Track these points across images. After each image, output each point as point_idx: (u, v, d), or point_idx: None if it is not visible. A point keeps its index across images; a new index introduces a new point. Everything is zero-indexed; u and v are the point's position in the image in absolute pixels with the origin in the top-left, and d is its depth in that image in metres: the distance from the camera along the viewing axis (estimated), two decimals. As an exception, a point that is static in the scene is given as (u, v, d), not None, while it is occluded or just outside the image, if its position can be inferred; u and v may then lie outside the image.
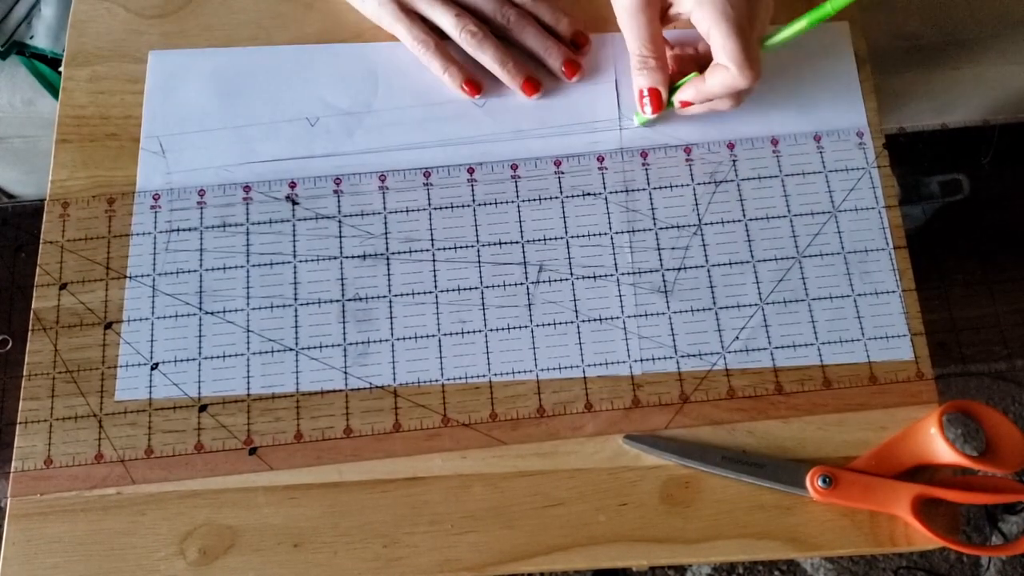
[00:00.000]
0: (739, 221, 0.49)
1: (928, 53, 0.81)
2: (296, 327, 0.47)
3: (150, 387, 0.46)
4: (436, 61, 0.52)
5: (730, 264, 0.48)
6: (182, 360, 0.46)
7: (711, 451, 0.45)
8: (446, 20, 0.52)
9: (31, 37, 0.73)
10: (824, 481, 0.43)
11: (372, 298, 0.48)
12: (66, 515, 0.44)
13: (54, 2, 0.73)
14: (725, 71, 0.44)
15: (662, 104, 0.49)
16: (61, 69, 0.53)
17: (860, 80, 0.52)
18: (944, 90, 0.92)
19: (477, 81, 0.52)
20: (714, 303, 0.48)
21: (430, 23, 0.52)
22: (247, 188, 0.50)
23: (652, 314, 0.47)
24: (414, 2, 0.52)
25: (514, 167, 0.50)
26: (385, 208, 0.49)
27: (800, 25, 0.45)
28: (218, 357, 0.46)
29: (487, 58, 0.51)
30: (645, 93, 0.49)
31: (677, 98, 0.49)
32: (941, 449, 0.42)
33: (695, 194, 0.50)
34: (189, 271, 0.48)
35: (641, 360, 0.47)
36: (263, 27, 0.54)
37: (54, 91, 0.74)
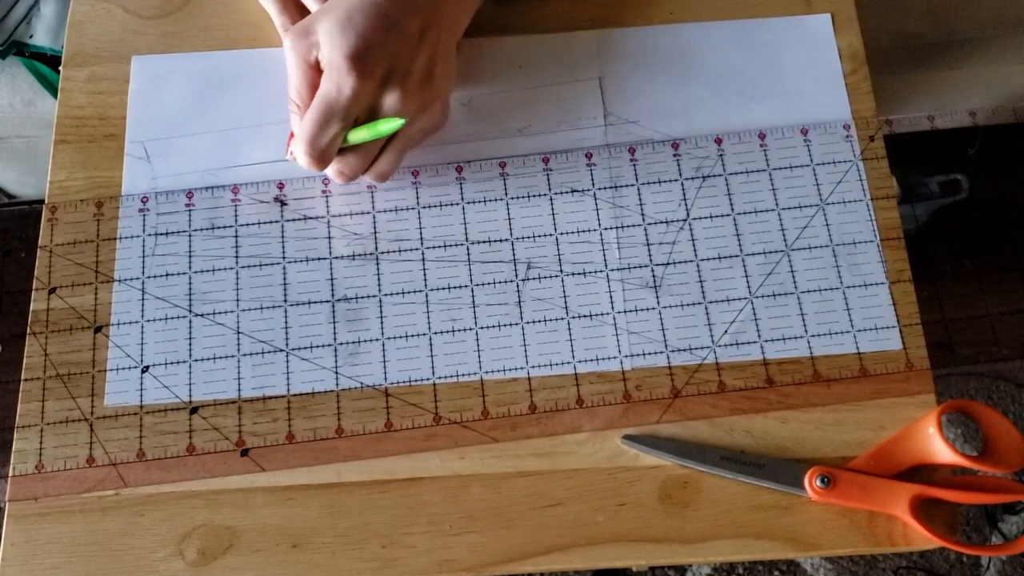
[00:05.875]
0: (727, 215, 0.49)
1: (927, 53, 0.81)
2: (286, 328, 0.47)
3: (141, 390, 0.46)
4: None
5: (719, 258, 0.48)
6: (172, 363, 0.46)
7: (709, 451, 0.45)
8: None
9: (31, 36, 0.73)
10: (822, 481, 0.43)
11: (362, 298, 0.48)
12: (65, 516, 0.44)
13: (53, 0, 0.74)
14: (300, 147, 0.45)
15: None
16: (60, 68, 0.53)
17: (851, 74, 0.52)
18: (943, 90, 0.92)
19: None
20: (703, 297, 0.47)
21: None
22: (235, 190, 0.50)
23: (642, 309, 0.47)
24: None
25: (502, 165, 0.50)
26: (374, 208, 0.49)
27: (362, 134, 0.44)
28: (208, 359, 0.46)
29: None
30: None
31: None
32: (940, 449, 0.42)
33: (683, 189, 0.50)
34: (178, 273, 0.48)
35: (632, 355, 0.46)
36: (262, 28, 0.53)
37: (54, 91, 0.74)
